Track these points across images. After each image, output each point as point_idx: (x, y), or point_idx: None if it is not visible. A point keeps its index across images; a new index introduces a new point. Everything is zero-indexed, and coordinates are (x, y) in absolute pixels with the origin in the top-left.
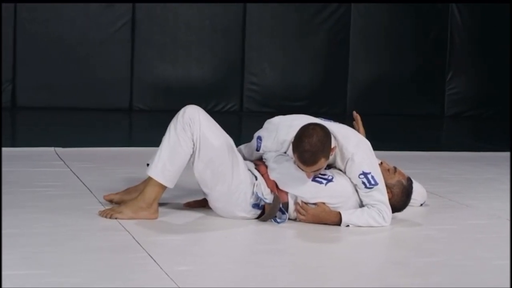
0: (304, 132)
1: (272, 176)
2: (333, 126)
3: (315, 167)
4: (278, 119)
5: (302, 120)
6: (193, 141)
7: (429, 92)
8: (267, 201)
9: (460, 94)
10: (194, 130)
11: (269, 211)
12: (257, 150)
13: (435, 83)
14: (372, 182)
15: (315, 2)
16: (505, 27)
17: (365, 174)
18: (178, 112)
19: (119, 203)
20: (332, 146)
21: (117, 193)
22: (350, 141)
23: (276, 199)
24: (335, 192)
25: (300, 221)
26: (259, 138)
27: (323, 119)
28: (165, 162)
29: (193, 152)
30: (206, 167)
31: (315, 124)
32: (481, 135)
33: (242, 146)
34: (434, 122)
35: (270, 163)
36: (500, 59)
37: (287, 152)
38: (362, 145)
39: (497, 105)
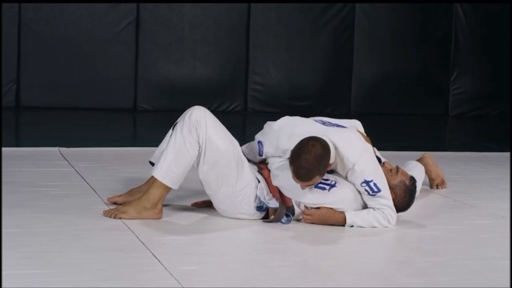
0: (302, 148)
1: (275, 182)
2: (335, 135)
3: (309, 183)
4: (278, 125)
5: (303, 127)
6: (198, 143)
7: (434, 92)
8: (270, 205)
9: (464, 93)
10: (200, 132)
11: (275, 217)
12: (260, 155)
13: (439, 83)
14: (375, 189)
15: (320, 2)
16: (509, 26)
17: (367, 182)
18: (185, 114)
19: (123, 204)
20: (331, 161)
21: (120, 195)
22: (351, 150)
23: (281, 205)
24: (338, 197)
25: (305, 222)
26: (260, 143)
27: (326, 123)
28: (170, 164)
29: (198, 154)
30: (211, 169)
31: (315, 140)
32: (486, 135)
33: (243, 147)
34: (438, 122)
35: (273, 169)
36: (504, 58)
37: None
38: (364, 153)
39: (502, 104)
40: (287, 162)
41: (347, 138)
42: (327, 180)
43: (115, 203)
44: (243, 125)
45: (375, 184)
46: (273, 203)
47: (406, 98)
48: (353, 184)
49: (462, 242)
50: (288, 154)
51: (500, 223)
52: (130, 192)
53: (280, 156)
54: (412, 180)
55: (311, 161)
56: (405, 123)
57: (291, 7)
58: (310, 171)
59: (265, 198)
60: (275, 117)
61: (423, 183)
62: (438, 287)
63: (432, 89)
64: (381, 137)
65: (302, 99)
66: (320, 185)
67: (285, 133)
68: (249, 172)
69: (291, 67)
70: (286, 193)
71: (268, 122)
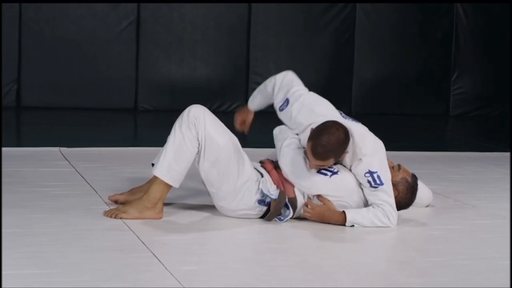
0: (328, 128)
1: (281, 161)
2: (352, 125)
3: (321, 163)
4: (305, 100)
5: (325, 109)
6: (198, 140)
7: (434, 92)
8: (273, 197)
9: (465, 94)
10: (199, 129)
11: (275, 206)
12: (280, 109)
13: (440, 83)
14: (378, 181)
15: (320, 2)
16: (510, 27)
17: (371, 173)
18: (183, 112)
19: (124, 203)
20: (347, 150)
21: (121, 194)
22: (366, 142)
23: (281, 194)
24: (339, 185)
25: (305, 217)
26: (288, 100)
27: (343, 114)
28: (170, 162)
29: (198, 151)
30: (212, 166)
31: (340, 125)
32: (487, 135)
33: (262, 86)
34: (439, 122)
35: (282, 147)
36: (505, 58)
37: (300, 135)
38: (376, 145)
39: (503, 104)
40: (296, 142)
41: (363, 131)
42: (330, 167)
43: (115, 202)
44: None
45: (378, 177)
46: (276, 195)
47: (407, 98)
48: (356, 176)
49: (462, 242)
50: (300, 129)
51: (500, 223)
52: (132, 191)
53: (291, 128)
54: (414, 177)
55: (332, 143)
56: (405, 123)
57: (292, 7)
58: (328, 152)
59: (268, 191)
60: (275, 117)
61: None
62: (438, 287)
63: (433, 89)
64: (381, 137)
65: None
66: (323, 171)
67: (307, 108)
68: (250, 166)
69: (292, 67)
70: (288, 174)
71: (301, 92)
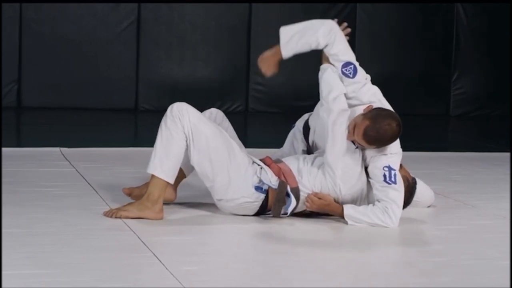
0: (390, 118)
1: (321, 113)
2: None
3: (364, 144)
4: (375, 94)
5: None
6: (185, 133)
7: (435, 92)
8: (274, 187)
9: (465, 94)
10: (184, 122)
11: (276, 196)
12: (343, 71)
13: (440, 83)
14: (393, 179)
15: (321, 2)
16: (510, 27)
17: (390, 168)
18: (167, 110)
19: (138, 197)
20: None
21: (137, 187)
22: (396, 143)
23: (282, 184)
24: (353, 162)
25: (306, 208)
26: (355, 68)
27: None
28: (161, 157)
29: (187, 145)
30: (203, 157)
31: (400, 123)
32: (487, 135)
33: (302, 27)
34: (439, 122)
35: (327, 109)
36: (505, 59)
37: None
38: (400, 150)
39: (503, 105)
40: (346, 112)
41: None
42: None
43: (129, 195)
44: (244, 126)
45: (395, 175)
46: (277, 185)
47: (407, 98)
48: (372, 168)
49: (463, 242)
50: (354, 102)
51: (500, 223)
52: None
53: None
54: (414, 180)
55: (387, 135)
56: (406, 123)
57: (292, 7)
58: (377, 140)
59: (270, 181)
60: (276, 118)
61: None
62: (439, 287)
63: (433, 89)
64: None
65: (303, 99)
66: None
67: (370, 93)
68: (240, 152)
69: (293, 67)
70: (317, 132)
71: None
